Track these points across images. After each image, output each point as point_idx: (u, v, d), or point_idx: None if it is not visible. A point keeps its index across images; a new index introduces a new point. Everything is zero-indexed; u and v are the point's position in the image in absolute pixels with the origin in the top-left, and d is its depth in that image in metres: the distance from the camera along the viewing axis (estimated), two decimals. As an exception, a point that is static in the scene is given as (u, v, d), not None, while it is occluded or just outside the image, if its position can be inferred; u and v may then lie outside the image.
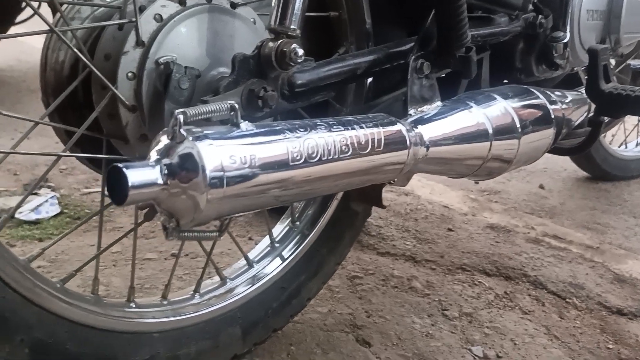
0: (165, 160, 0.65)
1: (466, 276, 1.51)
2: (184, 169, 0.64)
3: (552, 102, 1.17)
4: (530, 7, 1.29)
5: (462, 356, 1.19)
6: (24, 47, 4.05)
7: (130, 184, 0.60)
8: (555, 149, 1.32)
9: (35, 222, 1.62)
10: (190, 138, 0.65)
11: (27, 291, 0.76)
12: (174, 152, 0.65)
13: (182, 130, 0.65)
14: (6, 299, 0.74)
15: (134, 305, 0.93)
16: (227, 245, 1.51)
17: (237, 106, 0.71)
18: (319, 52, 0.99)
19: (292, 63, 0.84)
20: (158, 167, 0.64)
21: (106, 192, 0.95)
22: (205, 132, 0.66)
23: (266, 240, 1.17)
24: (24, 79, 3.45)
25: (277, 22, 0.85)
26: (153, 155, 0.66)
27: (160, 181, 0.63)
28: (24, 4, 3.45)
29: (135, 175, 0.61)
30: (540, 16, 1.28)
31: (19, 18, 3.49)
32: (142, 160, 0.67)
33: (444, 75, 1.11)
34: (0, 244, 0.75)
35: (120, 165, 0.61)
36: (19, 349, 0.76)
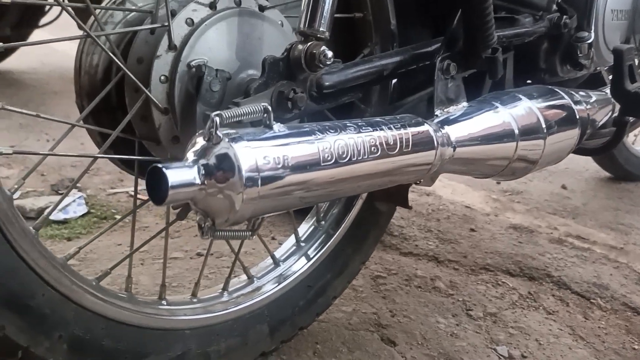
0: (202, 161, 0.67)
1: (490, 276, 1.51)
2: (221, 169, 0.66)
3: (577, 103, 1.17)
4: (554, 7, 1.30)
5: (488, 356, 1.20)
6: (47, 50, 4.12)
7: (170, 184, 0.62)
8: (579, 149, 1.32)
9: (64, 222, 1.66)
10: (227, 139, 0.66)
11: (65, 289, 0.78)
12: (210, 153, 0.67)
13: (218, 132, 0.67)
14: (45, 296, 0.76)
15: (165, 303, 0.95)
16: (251, 244, 1.53)
17: (270, 108, 0.72)
18: (342, 53, 1.00)
19: (321, 65, 0.85)
20: (195, 168, 0.66)
21: (139, 193, 0.98)
22: (241, 133, 0.68)
23: (292, 240, 1.18)
24: (47, 81, 3.50)
25: (306, 25, 0.86)
26: (190, 156, 0.68)
27: (197, 181, 0.65)
28: (47, 7, 3.51)
29: (175, 175, 0.63)
30: (564, 16, 1.28)
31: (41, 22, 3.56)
32: (177, 162, 0.69)
33: (466, 75, 1.11)
34: (39, 243, 0.77)
35: (160, 165, 0.63)
36: (58, 344, 0.78)
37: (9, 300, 0.72)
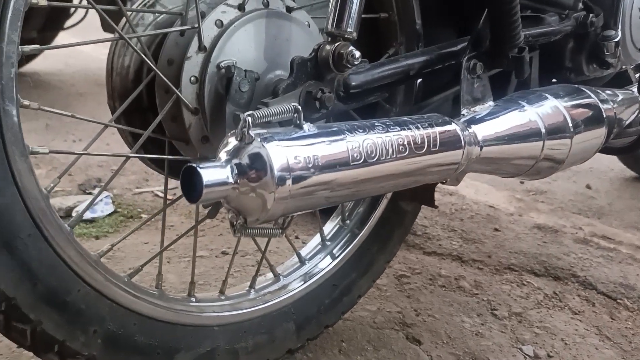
0: (235, 161, 0.68)
1: (514, 276, 1.51)
2: (253, 169, 0.67)
3: (604, 101, 1.17)
4: (581, 5, 1.29)
5: (513, 355, 1.20)
6: (71, 51, 4.19)
7: (204, 182, 0.64)
8: (605, 149, 1.31)
9: (91, 221, 1.69)
10: (259, 139, 0.68)
11: (99, 285, 0.80)
12: (243, 153, 0.68)
13: (250, 132, 0.68)
14: (81, 292, 0.78)
15: (194, 300, 0.97)
16: (275, 243, 1.54)
17: (300, 108, 0.73)
18: (367, 53, 1.01)
19: (348, 65, 0.86)
20: (229, 167, 0.67)
21: (168, 191, 0.99)
22: (272, 133, 0.69)
23: (317, 239, 1.19)
24: (73, 82, 3.56)
25: (334, 26, 0.87)
26: (223, 155, 0.69)
27: (231, 180, 0.67)
28: (72, 10, 3.56)
29: (209, 174, 0.65)
30: (591, 15, 1.27)
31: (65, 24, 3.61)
32: (210, 161, 0.70)
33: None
34: (75, 241, 0.79)
35: (194, 165, 0.64)
36: (93, 339, 0.80)
37: (46, 295, 0.74)
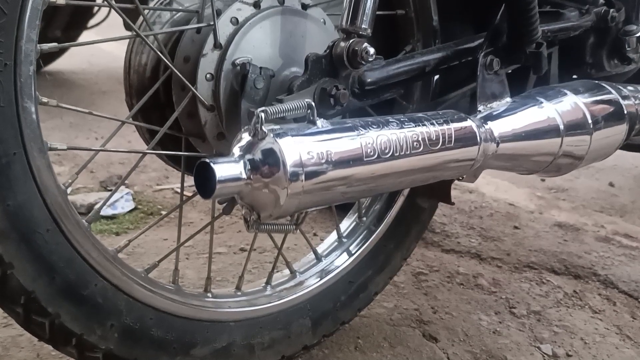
0: (248, 156, 0.68)
1: (534, 274, 1.49)
2: (266, 164, 0.67)
3: (625, 97, 1.15)
4: (601, 0, 1.27)
5: (531, 354, 1.19)
6: (94, 50, 4.24)
7: (217, 178, 0.64)
8: (627, 145, 1.29)
9: (112, 217, 1.71)
10: (272, 135, 0.68)
11: (117, 280, 0.81)
12: (256, 149, 0.69)
13: (263, 128, 0.68)
14: (98, 286, 0.79)
15: (211, 296, 0.98)
16: (293, 240, 1.55)
17: (313, 104, 0.73)
18: (384, 49, 1.01)
19: (363, 62, 0.86)
20: (242, 163, 0.68)
21: (184, 188, 1.00)
22: (285, 129, 0.69)
23: (333, 235, 1.19)
24: (96, 81, 3.60)
25: (349, 23, 0.87)
26: (236, 151, 0.70)
27: (244, 176, 0.67)
28: (95, 9, 3.61)
29: (222, 170, 0.65)
30: (612, 9, 1.25)
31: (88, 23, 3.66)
32: (224, 157, 0.71)
33: (510, 70, 1.10)
34: (92, 236, 0.80)
35: (207, 160, 0.65)
36: (110, 333, 0.81)
37: (64, 289, 0.75)
